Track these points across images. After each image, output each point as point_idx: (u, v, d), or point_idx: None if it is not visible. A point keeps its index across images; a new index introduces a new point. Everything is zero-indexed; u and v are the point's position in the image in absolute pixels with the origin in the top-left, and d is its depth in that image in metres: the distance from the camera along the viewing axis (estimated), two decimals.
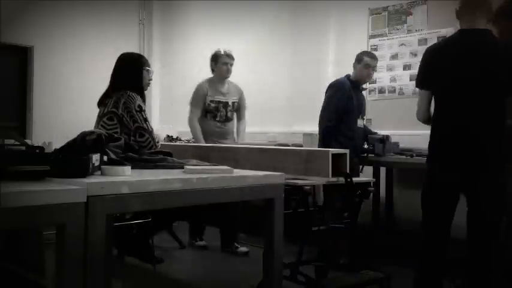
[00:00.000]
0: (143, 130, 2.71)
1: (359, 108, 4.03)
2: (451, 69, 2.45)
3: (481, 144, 2.40)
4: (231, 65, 4.37)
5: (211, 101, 4.32)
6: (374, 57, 4.09)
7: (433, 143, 2.55)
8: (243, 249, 4.24)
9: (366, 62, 3.98)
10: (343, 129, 3.89)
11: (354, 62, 4.06)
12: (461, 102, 2.43)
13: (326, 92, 4.03)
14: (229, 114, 4.38)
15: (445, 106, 2.49)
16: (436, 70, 2.51)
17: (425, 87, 2.55)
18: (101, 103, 2.86)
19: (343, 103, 3.88)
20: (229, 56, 4.36)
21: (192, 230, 4.57)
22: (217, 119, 4.34)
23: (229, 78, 4.43)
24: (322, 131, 3.91)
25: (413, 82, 4.41)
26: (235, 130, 4.52)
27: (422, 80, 2.58)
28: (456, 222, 2.54)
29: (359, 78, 4.03)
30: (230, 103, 4.38)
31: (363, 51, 4.18)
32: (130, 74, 2.89)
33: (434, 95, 2.52)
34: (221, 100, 4.35)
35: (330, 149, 2.74)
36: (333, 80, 4.15)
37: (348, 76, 4.04)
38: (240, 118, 4.52)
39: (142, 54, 3.63)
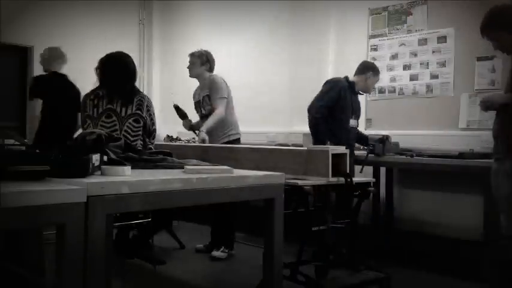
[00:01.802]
0: (155, 132, 3.00)
1: (353, 109, 4.04)
2: None
3: None
4: (191, 63, 4.23)
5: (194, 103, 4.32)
6: (378, 74, 4.13)
7: None
8: (220, 254, 4.06)
9: (368, 77, 4.03)
10: (334, 126, 3.89)
11: (357, 69, 4.08)
12: None
13: (322, 86, 4.03)
14: (203, 111, 4.19)
15: None
16: None
17: None
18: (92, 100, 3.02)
19: (334, 100, 3.89)
20: (189, 57, 4.29)
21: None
22: (200, 119, 4.27)
23: (217, 73, 4.25)
24: (310, 121, 3.90)
25: (414, 82, 4.50)
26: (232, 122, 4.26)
27: None
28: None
29: (360, 88, 4.07)
30: (201, 99, 4.21)
31: (368, 65, 4.15)
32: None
33: None
34: (194, 101, 4.31)
35: (329, 147, 2.74)
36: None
37: (346, 78, 4.05)
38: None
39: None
